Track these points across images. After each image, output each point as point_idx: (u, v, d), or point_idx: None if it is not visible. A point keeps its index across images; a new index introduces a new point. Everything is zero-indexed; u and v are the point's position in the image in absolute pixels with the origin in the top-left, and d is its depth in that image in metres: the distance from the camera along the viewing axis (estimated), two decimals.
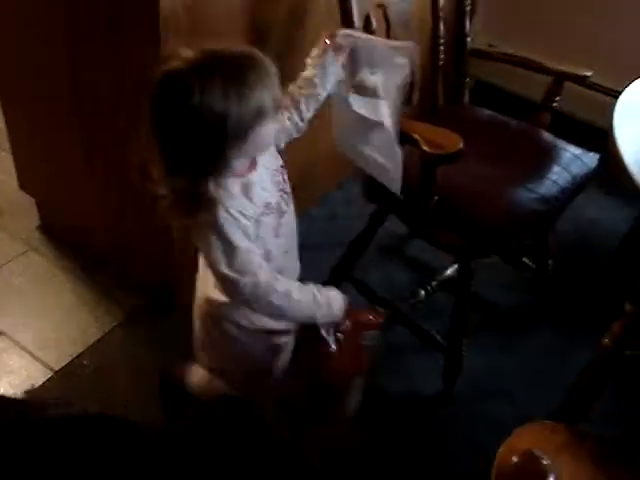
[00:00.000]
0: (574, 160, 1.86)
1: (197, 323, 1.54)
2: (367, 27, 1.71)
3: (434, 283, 2.08)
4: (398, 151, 1.53)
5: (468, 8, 1.98)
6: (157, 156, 1.23)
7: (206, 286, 1.45)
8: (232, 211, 1.27)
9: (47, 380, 1.85)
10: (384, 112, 1.52)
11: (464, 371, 1.92)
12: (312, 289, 1.41)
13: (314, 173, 2.34)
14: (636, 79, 1.70)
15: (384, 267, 2.22)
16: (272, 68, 1.25)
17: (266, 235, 1.36)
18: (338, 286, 2.03)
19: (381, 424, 1.85)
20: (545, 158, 1.87)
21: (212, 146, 1.20)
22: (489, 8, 2.83)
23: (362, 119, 1.55)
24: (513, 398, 1.92)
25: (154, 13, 1.53)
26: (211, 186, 1.23)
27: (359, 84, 1.57)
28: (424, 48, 1.97)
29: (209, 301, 1.47)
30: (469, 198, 1.72)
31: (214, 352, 1.57)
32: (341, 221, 2.40)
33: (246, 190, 1.31)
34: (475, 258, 1.77)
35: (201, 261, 1.45)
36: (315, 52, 1.51)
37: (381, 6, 1.77)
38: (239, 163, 1.28)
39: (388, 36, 1.80)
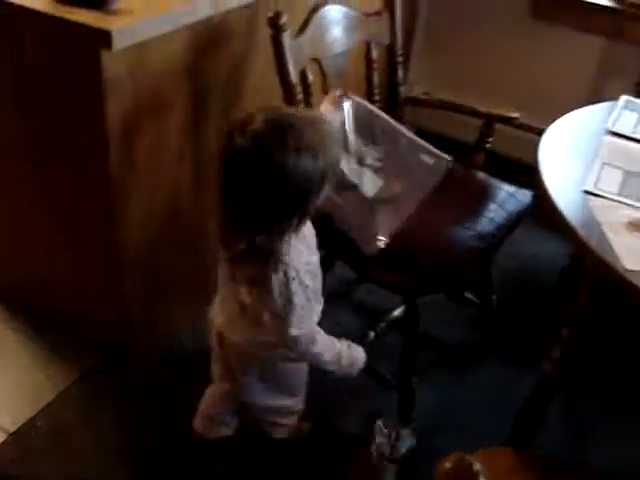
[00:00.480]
0: (509, 198, 1.95)
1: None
2: (304, 81, 1.79)
3: (382, 324, 2.14)
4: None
5: (400, 59, 2.08)
6: (232, 215, 1.31)
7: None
8: (297, 268, 1.36)
9: (2, 443, 1.84)
10: (366, 182, 1.71)
11: (420, 408, 1.96)
12: (344, 346, 1.57)
13: None
14: (558, 118, 1.80)
15: (333, 312, 2.24)
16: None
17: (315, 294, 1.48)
18: None
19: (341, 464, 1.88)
20: (481, 197, 1.95)
21: (298, 203, 1.28)
22: (423, 60, 2.98)
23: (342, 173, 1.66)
24: (471, 430, 1.96)
25: (97, 78, 1.59)
26: (284, 243, 1.32)
27: (361, 154, 1.69)
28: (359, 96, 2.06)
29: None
30: (412, 239, 1.79)
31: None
32: None
33: (304, 248, 1.41)
34: (420, 296, 1.82)
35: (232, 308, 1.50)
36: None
37: (316, 60, 1.85)
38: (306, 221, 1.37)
39: (323, 87, 1.88)
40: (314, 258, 1.47)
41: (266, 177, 1.24)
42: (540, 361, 2.17)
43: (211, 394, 1.72)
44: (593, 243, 1.34)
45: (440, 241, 1.79)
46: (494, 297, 2.18)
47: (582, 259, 2.37)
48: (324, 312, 2.23)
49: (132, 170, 1.77)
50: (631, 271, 1.28)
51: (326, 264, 1.97)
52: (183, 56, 1.77)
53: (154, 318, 2.08)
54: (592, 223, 1.40)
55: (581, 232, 1.37)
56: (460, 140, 2.55)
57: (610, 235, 1.37)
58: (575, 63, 2.71)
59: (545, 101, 2.47)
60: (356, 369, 1.62)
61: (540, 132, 1.70)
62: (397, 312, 2.16)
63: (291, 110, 1.36)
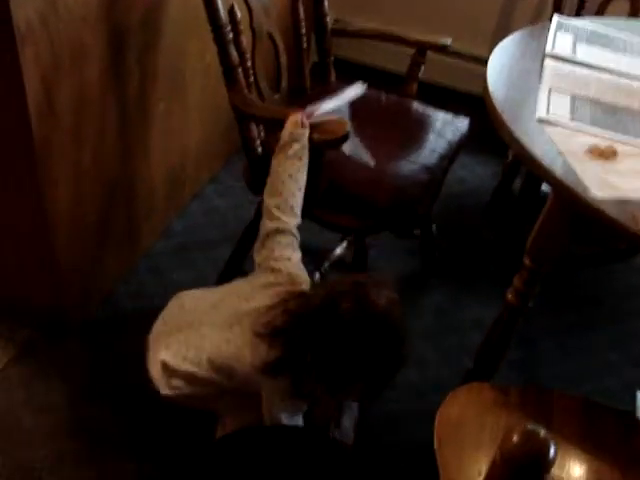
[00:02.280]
0: (447, 126, 1.93)
1: None
2: (232, 17, 1.68)
3: (326, 264, 2.10)
4: None
5: None
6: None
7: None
8: None
9: None
10: None
11: None
12: None
13: (185, 169, 2.29)
14: (495, 43, 1.76)
15: None
16: None
17: None
18: (231, 281, 2.04)
19: None
20: (419, 128, 1.92)
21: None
22: None
23: None
24: (421, 362, 1.99)
25: (8, 26, 1.43)
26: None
27: None
28: (287, 32, 1.97)
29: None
30: (356, 179, 1.74)
31: None
32: (222, 215, 2.36)
33: None
34: (370, 235, 1.80)
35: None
36: (290, 142, 1.56)
37: None
38: None
39: (252, 25, 1.77)
40: None
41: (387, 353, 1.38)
42: (481, 285, 2.23)
43: None
44: (559, 174, 1.33)
45: (388, 178, 1.75)
46: (434, 227, 2.17)
47: (510, 181, 2.44)
48: None
49: (54, 123, 1.62)
50: (601, 200, 1.28)
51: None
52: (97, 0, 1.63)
53: (87, 279, 1.97)
54: (554, 152, 1.38)
55: (545, 163, 1.36)
56: (388, 70, 2.51)
57: (574, 164, 1.36)
58: None
59: (477, 26, 2.44)
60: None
61: (473, 59, 1.68)
62: (339, 250, 2.13)
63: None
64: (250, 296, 1.48)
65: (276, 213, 1.52)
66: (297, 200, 1.54)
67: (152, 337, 1.58)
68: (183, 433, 1.72)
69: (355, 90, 1.71)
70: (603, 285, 2.32)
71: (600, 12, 2.37)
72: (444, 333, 2.07)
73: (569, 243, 1.47)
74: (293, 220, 1.53)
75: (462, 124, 1.94)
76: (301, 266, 1.53)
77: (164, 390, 1.52)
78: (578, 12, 2.39)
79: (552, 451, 0.64)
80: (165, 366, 1.51)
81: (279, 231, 1.52)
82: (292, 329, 1.37)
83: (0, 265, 1.90)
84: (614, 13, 2.34)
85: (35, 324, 1.92)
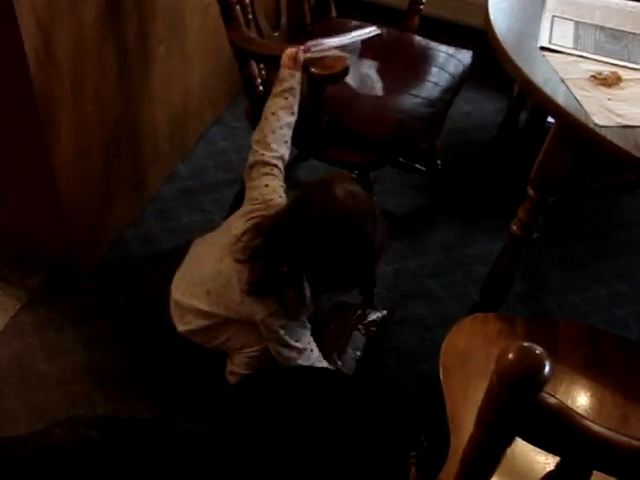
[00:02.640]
0: (449, 59, 1.90)
1: None
2: None
3: None
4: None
5: None
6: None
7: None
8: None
9: None
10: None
11: (382, 281, 1.97)
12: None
13: (188, 111, 2.28)
14: None
15: None
16: None
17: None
18: None
19: None
20: (422, 61, 1.89)
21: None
22: None
23: None
24: (431, 296, 2.00)
25: None
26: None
27: None
28: None
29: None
30: (359, 114, 1.73)
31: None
32: (227, 157, 2.35)
33: None
34: (373, 170, 1.79)
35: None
36: (280, 81, 1.59)
37: None
38: None
39: None
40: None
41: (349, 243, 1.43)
42: (489, 220, 2.23)
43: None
44: (561, 101, 1.32)
45: (391, 112, 1.74)
46: (439, 162, 2.16)
47: (516, 115, 2.41)
48: None
49: (53, 69, 1.61)
50: (603, 126, 1.27)
51: None
52: None
53: (96, 226, 1.98)
54: (555, 80, 1.37)
55: (547, 91, 1.34)
56: (388, 5, 2.47)
57: (576, 91, 1.34)
58: None
59: None
60: None
61: None
62: None
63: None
64: (234, 226, 1.54)
65: (255, 147, 1.59)
66: (278, 137, 1.58)
67: (173, 282, 1.66)
68: (198, 374, 1.75)
69: (366, 31, 1.72)
70: (610, 217, 2.31)
71: None
72: (451, 268, 2.07)
73: (573, 173, 1.46)
74: (271, 153, 1.57)
75: (465, 57, 1.91)
76: (281, 193, 1.57)
77: (179, 327, 1.62)
78: None
79: (547, 367, 0.65)
80: (177, 304, 1.62)
81: (258, 163, 1.58)
82: (267, 247, 1.45)
83: (9, 214, 1.91)
84: None
85: (46, 271, 1.95)
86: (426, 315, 1.94)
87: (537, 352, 0.65)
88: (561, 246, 2.21)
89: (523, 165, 1.66)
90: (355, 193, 1.43)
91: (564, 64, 1.42)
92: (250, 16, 1.75)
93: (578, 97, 1.33)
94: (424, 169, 2.16)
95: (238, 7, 1.68)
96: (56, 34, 1.59)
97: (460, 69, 1.89)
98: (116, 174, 1.99)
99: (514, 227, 1.57)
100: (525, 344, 0.65)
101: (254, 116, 1.78)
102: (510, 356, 0.66)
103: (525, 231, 1.56)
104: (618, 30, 1.54)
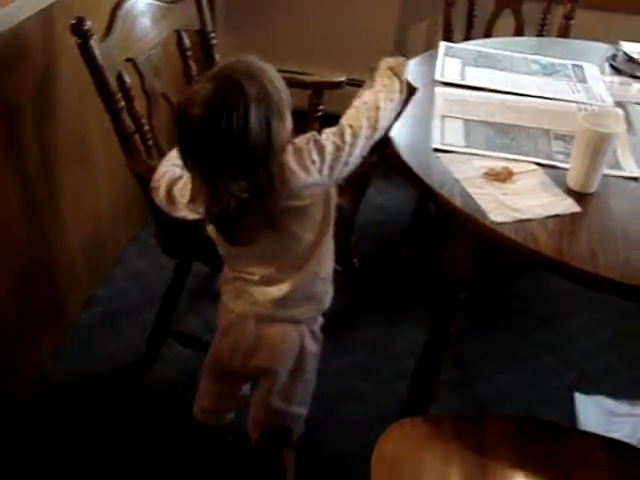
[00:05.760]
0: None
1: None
2: (121, 84, 1.67)
3: None
4: None
5: (214, 42, 2.00)
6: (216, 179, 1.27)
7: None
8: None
9: None
10: None
11: None
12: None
13: (103, 233, 2.27)
14: None
15: (201, 311, 2.19)
16: None
17: None
18: (162, 343, 2.02)
19: None
20: None
21: (263, 149, 1.26)
22: (228, 32, 2.90)
23: None
24: (358, 397, 1.99)
25: None
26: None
27: None
28: (183, 90, 1.96)
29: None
30: None
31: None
32: (145, 277, 2.33)
33: None
34: None
35: None
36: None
37: (130, 60, 1.73)
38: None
39: (144, 88, 1.77)
40: None
41: (229, 136, 1.24)
42: (411, 311, 2.25)
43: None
44: (458, 202, 1.36)
45: None
46: (355, 260, 2.19)
47: (427, 201, 2.47)
48: (191, 312, 2.18)
49: None
50: (500, 223, 1.31)
51: (182, 270, 1.92)
52: None
53: (13, 362, 1.91)
54: (451, 181, 1.41)
55: (444, 193, 1.38)
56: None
57: (471, 190, 1.39)
58: (380, 11, 2.74)
59: (360, 53, 2.48)
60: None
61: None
62: None
63: (230, 65, 1.30)
64: None
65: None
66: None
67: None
68: None
69: None
70: (529, 294, 2.37)
71: (488, 32, 2.45)
72: (380, 365, 2.07)
73: (479, 267, 1.49)
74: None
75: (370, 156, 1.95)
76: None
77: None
78: (467, 34, 2.46)
79: None
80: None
81: None
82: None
83: None
84: (501, 32, 2.42)
85: None
86: (358, 416, 1.92)
87: None
88: (485, 328, 2.24)
89: (439, 252, 1.69)
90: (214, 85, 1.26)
91: (458, 163, 1.47)
92: (150, 142, 1.77)
93: (474, 196, 1.37)
94: (341, 269, 2.17)
95: (137, 136, 1.69)
96: None
97: (366, 165, 1.92)
98: (30, 307, 1.94)
99: (434, 327, 1.59)
100: None
101: (164, 242, 1.79)
102: None
103: (443, 328, 1.58)
104: (504, 124, 1.61)
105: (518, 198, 1.38)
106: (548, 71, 1.86)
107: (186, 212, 1.42)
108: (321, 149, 1.32)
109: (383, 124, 1.38)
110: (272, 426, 1.62)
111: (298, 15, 2.82)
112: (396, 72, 1.43)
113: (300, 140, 1.33)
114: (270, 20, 2.88)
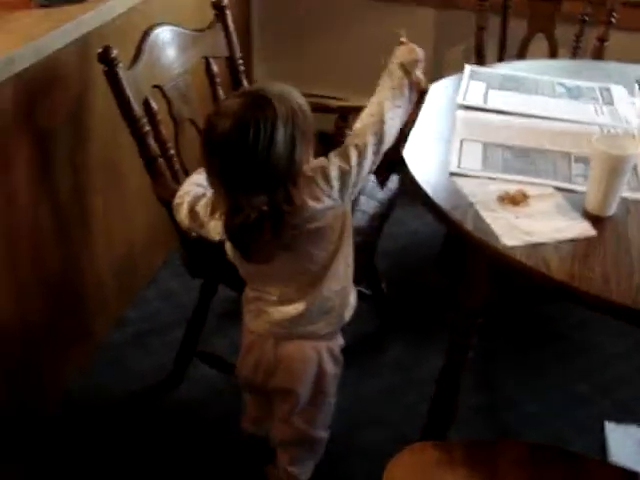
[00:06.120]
0: (377, 186, 1.95)
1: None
2: (147, 109, 1.72)
3: None
4: None
5: (242, 68, 2.03)
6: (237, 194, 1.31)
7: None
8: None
9: None
10: None
11: (336, 408, 1.93)
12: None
13: (135, 256, 2.31)
14: None
15: (228, 333, 2.21)
16: None
17: None
18: (188, 363, 2.04)
19: None
20: None
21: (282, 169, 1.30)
22: (265, 60, 2.96)
23: None
24: (385, 422, 1.97)
25: None
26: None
27: None
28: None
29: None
30: None
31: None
32: (178, 297, 2.37)
33: None
34: None
35: None
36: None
37: (157, 87, 1.78)
38: None
39: (171, 114, 1.81)
40: None
41: (255, 150, 1.27)
42: (439, 336, 2.22)
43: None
44: (469, 225, 1.35)
45: None
46: (383, 285, 2.18)
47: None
48: (219, 334, 2.21)
49: None
50: (512, 247, 1.30)
51: (208, 291, 1.94)
52: (13, 108, 1.66)
53: (41, 378, 1.96)
54: (464, 205, 1.41)
55: (455, 216, 1.38)
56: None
57: (484, 213, 1.38)
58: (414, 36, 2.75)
59: None
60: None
61: None
62: None
63: (261, 84, 1.40)
64: None
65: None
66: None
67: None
68: None
69: None
70: (564, 319, 2.32)
71: (521, 56, 2.43)
72: (404, 389, 2.06)
73: (494, 291, 1.47)
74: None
75: (392, 182, 1.96)
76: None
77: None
78: (500, 58, 2.45)
79: None
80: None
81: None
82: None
83: None
84: (535, 55, 2.41)
85: None
86: (382, 441, 1.91)
87: None
88: (518, 354, 2.21)
89: None
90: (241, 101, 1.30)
91: (473, 187, 1.46)
92: (177, 166, 1.80)
93: (487, 219, 1.36)
94: (370, 293, 2.17)
95: (162, 160, 1.72)
96: None
97: (388, 195, 1.94)
98: (58, 326, 1.98)
99: (450, 353, 1.57)
100: None
101: (188, 262, 1.82)
102: None
103: (460, 352, 1.56)
104: (524, 147, 1.60)
105: (532, 221, 1.37)
106: (574, 94, 1.84)
107: (207, 230, 1.45)
108: (327, 177, 1.33)
109: (390, 136, 1.39)
110: (297, 447, 1.64)
111: (336, 41, 2.85)
112: (407, 69, 1.42)
113: (309, 168, 1.35)
114: (302, 48, 2.94)
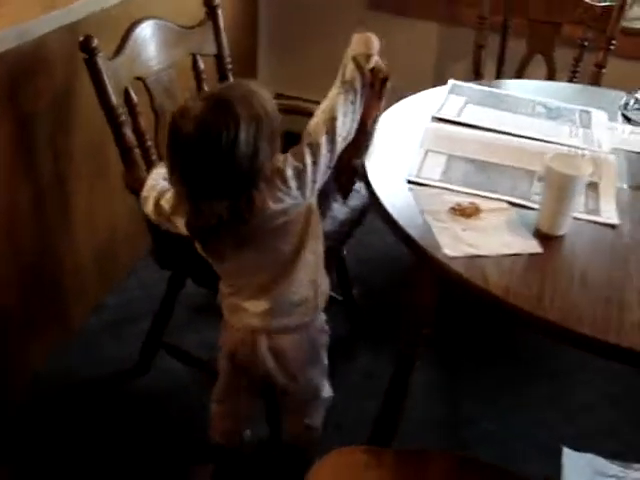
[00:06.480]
0: (353, 194, 1.96)
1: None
2: (127, 100, 1.75)
3: None
4: None
5: (229, 67, 2.06)
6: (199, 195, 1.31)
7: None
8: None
9: None
10: None
11: None
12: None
13: (117, 243, 2.36)
14: None
15: (198, 327, 2.24)
16: None
17: None
18: (154, 354, 2.07)
19: None
20: (323, 198, 1.95)
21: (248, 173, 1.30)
22: (270, 62, 2.99)
23: None
24: (348, 427, 1.97)
25: None
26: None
27: None
28: None
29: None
30: None
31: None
32: (156, 288, 2.38)
33: None
34: None
35: None
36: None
37: (140, 79, 1.81)
38: None
39: (152, 106, 1.84)
40: None
41: (217, 154, 1.27)
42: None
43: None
44: (415, 233, 1.36)
45: None
46: (354, 291, 2.19)
47: None
48: (188, 328, 2.22)
49: None
50: (453, 257, 1.30)
51: (175, 284, 1.96)
52: None
53: (12, 361, 2.00)
54: (415, 212, 1.41)
55: (402, 222, 1.38)
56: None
57: (433, 223, 1.38)
58: (416, 50, 2.77)
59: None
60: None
61: None
62: None
63: (225, 86, 1.42)
64: None
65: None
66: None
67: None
68: None
69: None
70: (538, 344, 2.31)
71: (519, 76, 2.44)
72: (370, 396, 2.04)
73: (438, 302, 1.48)
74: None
75: (364, 190, 1.97)
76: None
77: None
78: (498, 77, 2.46)
79: None
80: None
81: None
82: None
83: None
84: (533, 76, 2.40)
85: None
86: (333, 443, 1.90)
87: None
88: (483, 372, 2.20)
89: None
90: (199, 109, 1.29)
91: (428, 196, 1.47)
92: (154, 157, 1.83)
93: (434, 229, 1.37)
94: (340, 298, 2.18)
95: (137, 150, 1.75)
96: None
97: (361, 202, 1.95)
98: (35, 307, 2.02)
99: (397, 359, 1.58)
100: None
101: (156, 253, 1.84)
102: None
103: (407, 362, 1.56)
104: (486, 162, 1.60)
105: (479, 234, 1.37)
106: (553, 115, 1.84)
107: (174, 225, 1.46)
108: (284, 178, 1.34)
109: (343, 133, 1.38)
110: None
111: (339, 52, 2.86)
112: (359, 63, 1.42)
113: (269, 169, 1.34)
114: (308, 56, 2.97)
